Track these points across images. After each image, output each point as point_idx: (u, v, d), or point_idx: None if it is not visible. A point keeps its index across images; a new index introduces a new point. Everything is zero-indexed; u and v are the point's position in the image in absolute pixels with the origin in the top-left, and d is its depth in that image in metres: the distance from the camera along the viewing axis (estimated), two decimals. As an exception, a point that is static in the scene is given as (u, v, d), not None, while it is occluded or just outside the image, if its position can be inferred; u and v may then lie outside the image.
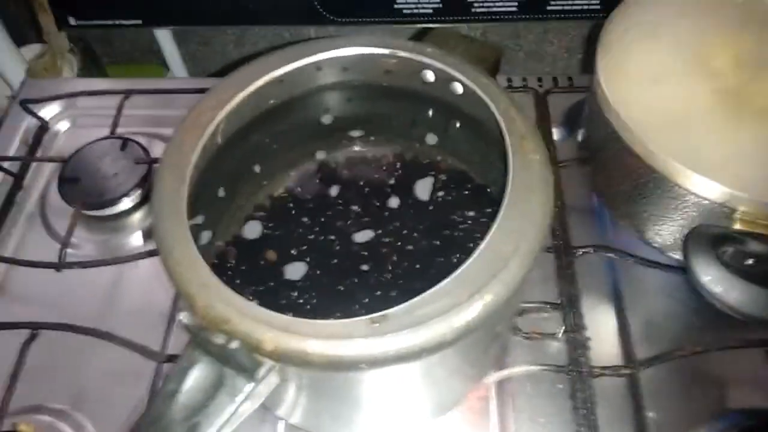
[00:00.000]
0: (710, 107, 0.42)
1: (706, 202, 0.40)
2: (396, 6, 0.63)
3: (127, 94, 0.61)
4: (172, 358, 0.45)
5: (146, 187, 0.55)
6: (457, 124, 0.43)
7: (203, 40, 0.77)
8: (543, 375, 0.44)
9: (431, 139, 0.46)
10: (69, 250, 0.51)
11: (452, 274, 0.29)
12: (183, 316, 0.27)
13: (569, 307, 0.45)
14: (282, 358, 0.28)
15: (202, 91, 0.61)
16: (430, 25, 0.65)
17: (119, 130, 0.59)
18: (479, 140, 0.42)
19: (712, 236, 0.37)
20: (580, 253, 0.48)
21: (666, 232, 0.45)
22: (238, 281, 0.41)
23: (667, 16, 0.48)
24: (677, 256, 0.46)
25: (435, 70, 0.39)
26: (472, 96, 0.38)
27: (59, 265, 0.50)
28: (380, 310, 0.28)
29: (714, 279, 0.36)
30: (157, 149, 0.58)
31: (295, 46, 0.39)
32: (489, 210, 0.43)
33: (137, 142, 0.58)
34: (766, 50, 0.45)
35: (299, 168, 0.46)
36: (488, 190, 0.45)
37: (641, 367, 0.43)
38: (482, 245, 0.30)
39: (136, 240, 0.54)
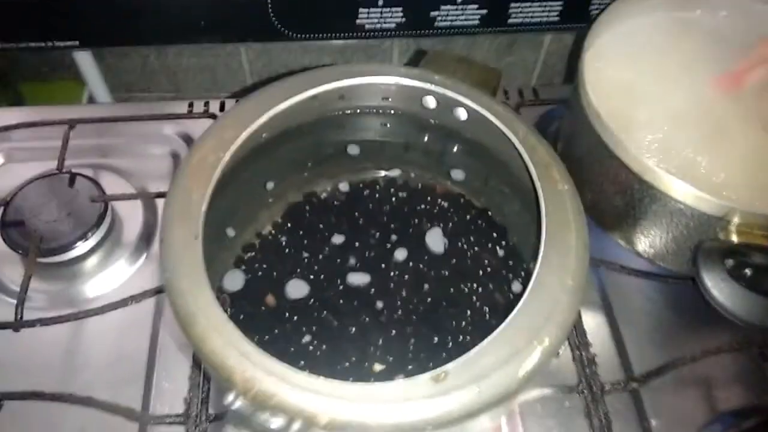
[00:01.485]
0: (700, 119, 0.44)
1: (704, 215, 0.41)
2: (358, 21, 0.61)
3: (72, 124, 0.55)
4: (157, 420, 0.41)
5: (103, 227, 0.50)
6: (458, 149, 0.42)
7: (122, 52, 0.72)
8: (551, 397, 0.44)
9: (428, 164, 0.44)
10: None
11: (505, 321, 0.28)
12: (230, 399, 0.24)
13: (574, 327, 0.45)
14: (338, 430, 0.26)
15: (151, 117, 0.58)
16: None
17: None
18: (480, 165, 0.42)
19: (720, 251, 0.38)
20: (574, 268, 0.48)
21: (658, 243, 0.46)
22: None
23: (651, 27, 0.49)
24: (668, 265, 0.47)
25: (438, 97, 0.38)
26: (481, 123, 0.37)
27: (17, 324, 0.44)
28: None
29: (724, 293, 0.38)
30: (107, 183, 0.53)
31: (291, 78, 0.37)
32: (493, 234, 0.42)
33: (87, 177, 0.52)
34: (732, 53, 0.48)
35: (294, 200, 0.44)
36: (489, 213, 0.44)
37: (645, 381, 0.44)
38: (530, 287, 0.29)
39: (96, 286, 0.49)
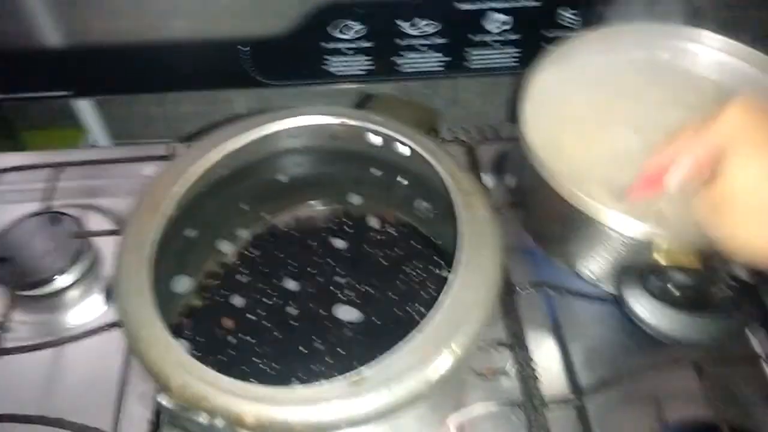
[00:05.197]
0: (626, 152, 0.47)
1: (630, 238, 0.44)
2: (327, 68, 0.66)
3: (59, 167, 0.59)
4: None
5: (82, 262, 0.54)
6: (401, 182, 0.45)
7: (123, 103, 0.77)
8: (500, 412, 0.46)
9: (376, 195, 0.48)
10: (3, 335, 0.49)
11: (419, 329, 0.31)
12: (161, 398, 0.27)
13: (517, 344, 0.48)
14: (264, 429, 0.29)
15: (133, 159, 0.62)
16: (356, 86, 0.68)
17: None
18: (421, 196, 0.45)
19: (640, 270, 0.41)
20: (520, 291, 0.51)
21: (596, 267, 0.49)
22: (199, 352, 0.41)
23: (581, 71, 0.54)
24: (608, 287, 0.50)
25: (382, 135, 0.42)
26: (417, 157, 0.40)
27: (-5, 352, 0.47)
28: (343, 368, 0.30)
29: (646, 310, 0.40)
30: (90, 221, 0.57)
31: (248, 120, 0.41)
32: (435, 259, 0.45)
33: (70, 216, 0.56)
34: (667, 100, 0.52)
35: (251, 232, 0.47)
36: (432, 240, 0.47)
37: (587, 396, 0.46)
38: (444, 299, 0.32)
39: (75, 317, 0.53)
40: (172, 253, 0.40)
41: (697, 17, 0.59)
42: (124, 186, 0.63)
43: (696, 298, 0.42)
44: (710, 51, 0.56)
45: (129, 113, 0.78)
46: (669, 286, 0.42)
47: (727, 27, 0.57)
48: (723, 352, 0.47)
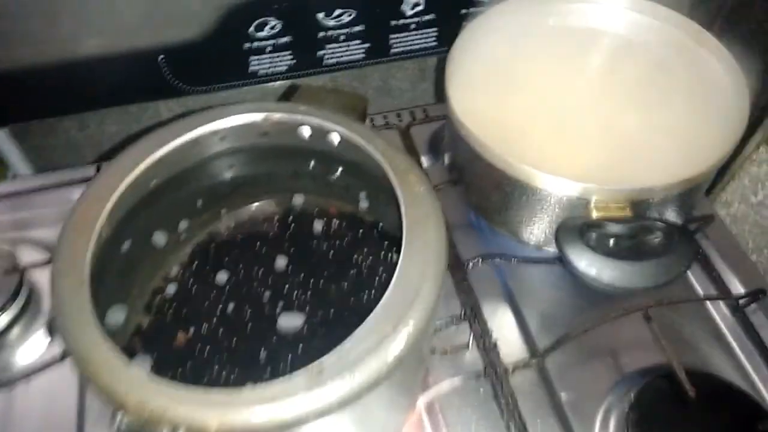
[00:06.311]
0: (551, 115, 0.49)
1: (564, 198, 0.45)
2: (251, 69, 0.65)
3: (-21, 203, 0.56)
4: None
5: (20, 297, 0.51)
6: (339, 171, 0.45)
7: (43, 131, 0.73)
8: (466, 386, 0.47)
9: (315, 188, 0.48)
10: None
11: (373, 311, 0.31)
12: (119, 419, 0.27)
13: (473, 316, 0.49)
14: (230, 433, 0.28)
15: (60, 185, 0.60)
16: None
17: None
18: (361, 182, 0.45)
19: (578, 227, 0.43)
20: (470, 265, 0.52)
21: (538, 231, 0.50)
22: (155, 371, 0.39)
23: (500, 44, 0.55)
24: (552, 249, 0.51)
25: (311, 126, 0.41)
26: (350, 144, 0.40)
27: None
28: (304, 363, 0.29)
29: (587, 263, 0.42)
30: (23, 254, 0.55)
31: (171, 125, 0.40)
32: (384, 244, 0.46)
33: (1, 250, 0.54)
34: (584, 60, 0.54)
35: (193, 241, 0.46)
36: (380, 225, 0.47)
37: (546, 356, 0.47)
38: (393, 279, 0.32)
39: (20, 356, 0.50)
40: (111, 274, 0.39)
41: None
42: (54, 214, 0.60)
43: (634, 246, 0.43)
44: (617, 9, 0.58)
45: (50, 142, 0.75)
46: (607, 238, 0.44)
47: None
48: (668, 297, 0.48)
